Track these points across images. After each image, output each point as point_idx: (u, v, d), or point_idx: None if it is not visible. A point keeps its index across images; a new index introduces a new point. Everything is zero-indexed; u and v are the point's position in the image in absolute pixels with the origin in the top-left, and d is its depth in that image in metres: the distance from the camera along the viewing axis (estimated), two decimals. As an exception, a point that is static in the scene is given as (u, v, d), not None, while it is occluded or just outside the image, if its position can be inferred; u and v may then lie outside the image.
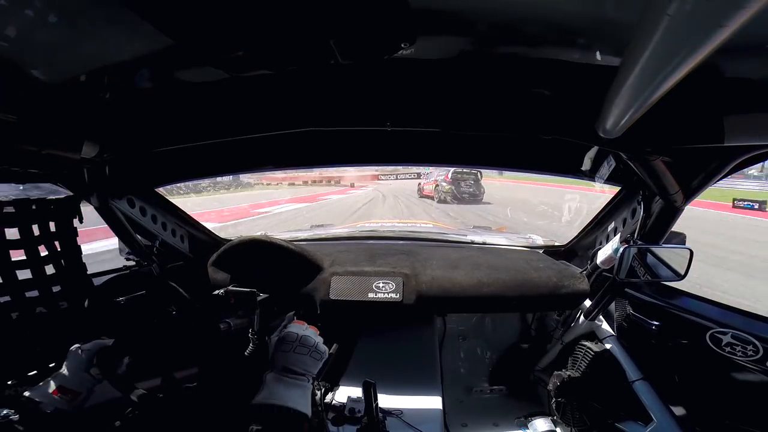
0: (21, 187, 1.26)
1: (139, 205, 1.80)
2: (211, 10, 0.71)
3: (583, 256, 2.08)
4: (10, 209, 1.20)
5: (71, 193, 1.43)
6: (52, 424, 0.95)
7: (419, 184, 20.47)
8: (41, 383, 0.99)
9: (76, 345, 1.07)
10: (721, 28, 0.46)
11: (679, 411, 1.46)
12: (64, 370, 1.02)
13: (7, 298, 1.19)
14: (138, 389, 1.05)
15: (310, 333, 1.07)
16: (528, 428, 2.08)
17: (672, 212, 1.40)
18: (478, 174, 16.97)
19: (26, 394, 0.95)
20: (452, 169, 16.51)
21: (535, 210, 13.51)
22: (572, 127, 1.09)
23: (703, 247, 7.49)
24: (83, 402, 1.02)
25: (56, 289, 1.31)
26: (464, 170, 16.33)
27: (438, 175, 17.94)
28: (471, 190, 17.14)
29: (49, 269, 1.30)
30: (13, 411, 0.91)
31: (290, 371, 0.98)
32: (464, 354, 2.48)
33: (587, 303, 1.84)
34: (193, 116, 1.20)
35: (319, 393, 1.18)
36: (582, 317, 1.86)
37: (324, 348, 1.06)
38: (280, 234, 2.67)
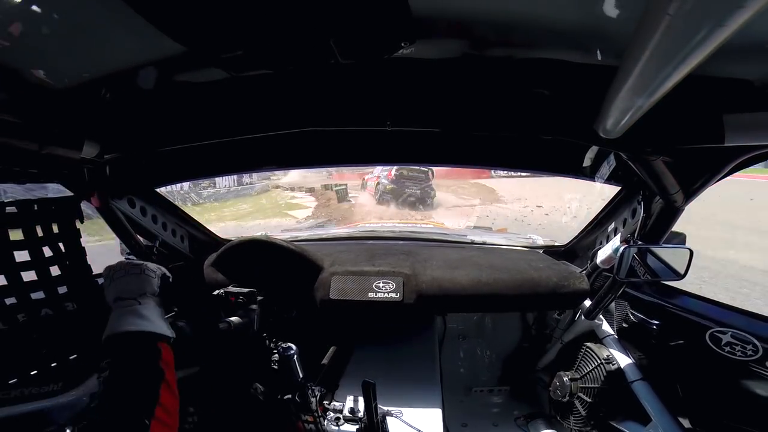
0: (24, 187, 1.26)
1: (139, 205, 1.80)
2: (211, 10, 0.71)
3: (583, 256, 2.08)
4: (12, 209, 1.20)
5: (72, 193, 1.43)
6: None
7: (363, 179, 16.40)
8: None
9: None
10: (721, 27, 0.46)
11: (678, 411, 1.46)
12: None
13: (13, 300, 1.19)
14: None
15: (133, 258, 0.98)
16: (528, 428, 2.08)
17: (672, 212, 1.40)
18: (430, 173, 13.58)
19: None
20: (397, 166, 12.88)
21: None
22: (572, 127, 1.09)
23: None
24: None
25: (62, 290, 1.31)
26: (413, 167, 12.85)
27: (381, 171, 14.25)
28: (418, 192, 13.47)
29: (54, 271, 1.30)
30: None
31: (119, 299, 0.91)
32: (464, 354, 2.48)
33: (587, 303, 1.84)
34: (193, 116, 1.20)
35: (314, 399, 1.17)
36: (582, 317, 1.86)
37: (142, 262, 0.98)
38: (280, 234, 2.67)
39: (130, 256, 1.83)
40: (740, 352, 1.24)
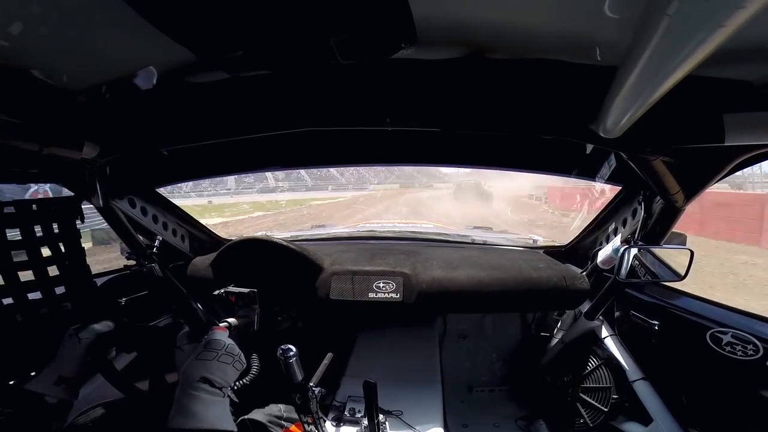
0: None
1: (140, 205, 1.80)
2: (211, 10, 0.71)
3: (583, 256, 2.08)
4: (10, 210, 1.20)
5: (72, 194, 1.43)
6: (56, 414, 0.96)
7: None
8: (41, 375, 0.98)
9: (72, 330, 1.06)
10: (721, 28, 0.46)
11: (679, 411, 1.46)
12: (63, 359, 1.01)
13: (10, 301, 1.19)
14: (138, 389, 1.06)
15: (235, 343, 1.01)
16: (528, 428, 2.08)
17: (673, 213, 1.40)
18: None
19: (28, 387, 0.94)
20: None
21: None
22: (572, 127, 1.09)
23: None
24: (80, 387, 1.02)
25: (60, 290, 1.31)
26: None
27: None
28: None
29: (53, 271, 1.31)
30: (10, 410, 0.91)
31: (209, 382, 0.88)
32: (464, 354, 2.47)
33: (588, 303, 1.84)
34: (193, 116, 1.20)
35: (314, 401, 1.17)
36: (582, 317, 1.86)
37: (245, 361, 1.00)
38: (281, 233, 2.67)
39: (131, 256, 1.83)
40: (741, 352, 1.24)
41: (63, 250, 1.31)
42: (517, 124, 1.12)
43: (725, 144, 0.95)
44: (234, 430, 0.86)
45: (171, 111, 1.18)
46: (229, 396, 0.91)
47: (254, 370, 1.07)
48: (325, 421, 1.30)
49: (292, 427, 1.28)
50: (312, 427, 1.20)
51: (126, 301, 1.64)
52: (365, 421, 1.27)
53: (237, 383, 0.99)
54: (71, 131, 1.11)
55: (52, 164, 1.26)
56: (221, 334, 1.01)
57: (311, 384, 1.19)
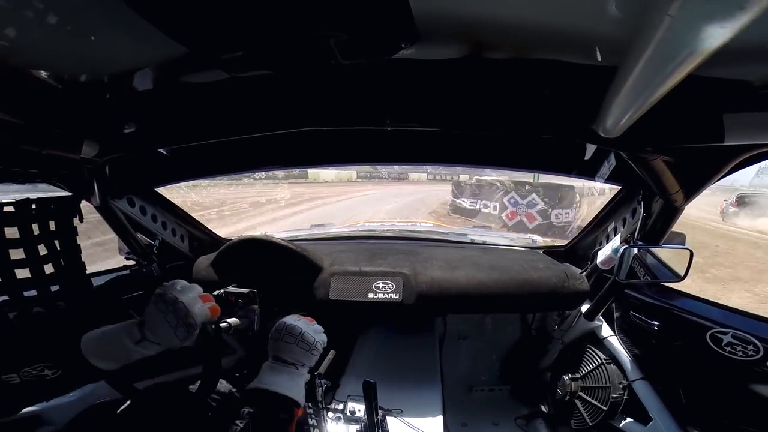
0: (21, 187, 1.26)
1: (139, 205, 1.80)
2: (211, 10, 0.71)
3: (583, 256, 2.08)
4: (9, 209, 1.20)
5: (71, 193, 1.43)
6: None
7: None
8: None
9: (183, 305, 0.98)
10: (722, 29, 0.46)
11: (678, 411, 1.46)
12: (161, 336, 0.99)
13: (5, 298, 1.19)
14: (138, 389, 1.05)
15: (300, 324, 1.08)
16: (528, 428, 2.08)
17: (672, 212, 1.40)
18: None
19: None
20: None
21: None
22: (572, 126, 1.09)
23: None
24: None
25: (55, 288, 1.31)
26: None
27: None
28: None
29: (49, 269, 1.31)
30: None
31: (280, 360, 1.02)
32: (464, 354, 2.48)
33: (587, 303, 1.84)
34: (193, 116, 1.20)
35: (320, 389, 1.18)
36: (582, 317, 1.86)
37: (313, 338, 1.06)
38: (280, 233, 2.67)
39: (129, 255, 1.83)
40: (741, 353, 1.24)
41: (59, 248, 1.31)
42: (517, 124, 1.11)
43: (725, 144, 0.95)
44: (298, 399, 0.97)
45: (170, 111, 1.18)
46: (301, 371, 1.03)
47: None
48: (327, 412, 1.31)
49: (298, 411, 1.30)
50: (314, 421, 1.21)
51: (125, 301, 1.64)
52: (365, 421, 1.28)
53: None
54: (71, 131, 1.11)
55: (51, 164, 1.25)
56: (289, 318, 1.09)
57: (317, 372, 1.21)
